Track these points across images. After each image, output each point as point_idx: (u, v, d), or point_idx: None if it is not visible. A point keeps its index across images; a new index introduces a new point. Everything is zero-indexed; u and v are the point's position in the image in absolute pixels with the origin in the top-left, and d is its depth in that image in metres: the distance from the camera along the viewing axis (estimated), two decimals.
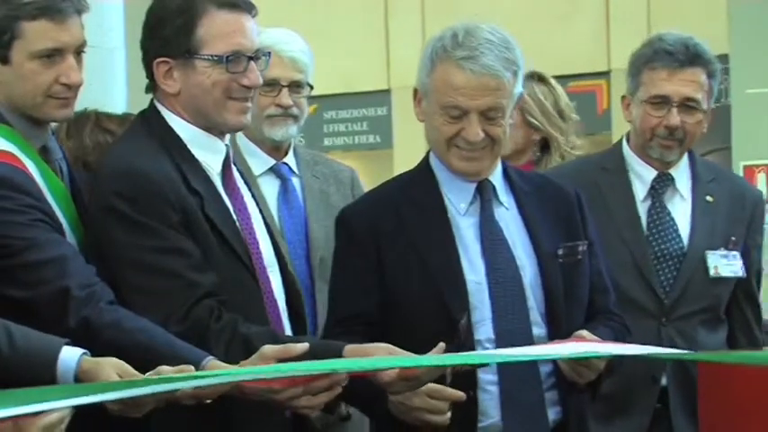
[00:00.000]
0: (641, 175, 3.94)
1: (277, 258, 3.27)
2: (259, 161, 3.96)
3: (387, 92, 13.33)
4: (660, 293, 3.81)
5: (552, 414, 3.27)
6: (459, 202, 3.31)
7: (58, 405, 2.41)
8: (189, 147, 3.17)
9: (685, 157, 3.97)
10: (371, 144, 14.01)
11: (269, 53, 3.30)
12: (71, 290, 2.88)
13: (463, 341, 3.12)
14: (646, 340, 3.59)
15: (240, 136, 3.98)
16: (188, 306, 3.01)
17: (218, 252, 3.12)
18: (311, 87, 4.01)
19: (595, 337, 3.18)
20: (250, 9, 3.19)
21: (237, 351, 2.95)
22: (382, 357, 2.87)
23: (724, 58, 9.33)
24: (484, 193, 3.32)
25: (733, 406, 3.30)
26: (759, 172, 9.21)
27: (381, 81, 13.28)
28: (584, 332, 3.19)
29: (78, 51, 3.13)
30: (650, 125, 3.89)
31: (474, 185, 3.30)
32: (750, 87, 9.31)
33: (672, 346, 3.75)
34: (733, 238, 3.93)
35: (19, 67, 3.10)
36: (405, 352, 2.91)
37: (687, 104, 3.85)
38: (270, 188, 3.99)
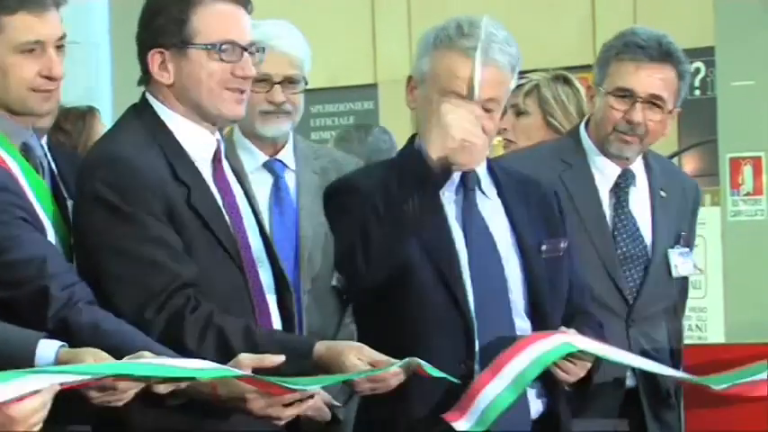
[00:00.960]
0: (604, 172, 3.91)
1: (268, 255, 3.29)
2: (252, 157, 3.98)
3: (374, 86, 13.52)
4: (627, 296, 3.81)
5: (535, 407, 3.32)
6: (445, 192, 3.36)
7: (33, 381, 2.45)
8: (179, 139, 3.21)
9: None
10: None
11: (263, 48, 3.34)
12: (50, 290, 2.90)
13: None
14: (614, 341, 3.67)
15: (236, 131, 4.02)
16: (165, 296, 3.03)
17: (202, 244, 3.16)
18: (306, 83, 4.01)
19: (579, 335, 3.24)
20: (245, 3, 3.26)
21: (211, 341, 3.00)
22: (326, 377, 2.93)
23: (710, 51, 9.52)
24: (467, 182, 3.37)
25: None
26: (745, 164, 9.11)
27: (368, 75, 13.44)
28: (569, 329, 3.26)
29: (58, 45, 3.16)
30: (612, 118, 3.85)
31: (458, 174, 3.34)
32: (736, 80, 9.14)
33: (638, 347, 3.79)
34: (683, 234, 3.94)
35: (0, 62, 3.14)
36: (374, 352, 3.00)
37: (652, 101, 3.81)
38: (262, 185, 4.00)
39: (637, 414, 3.86)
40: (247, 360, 2.88)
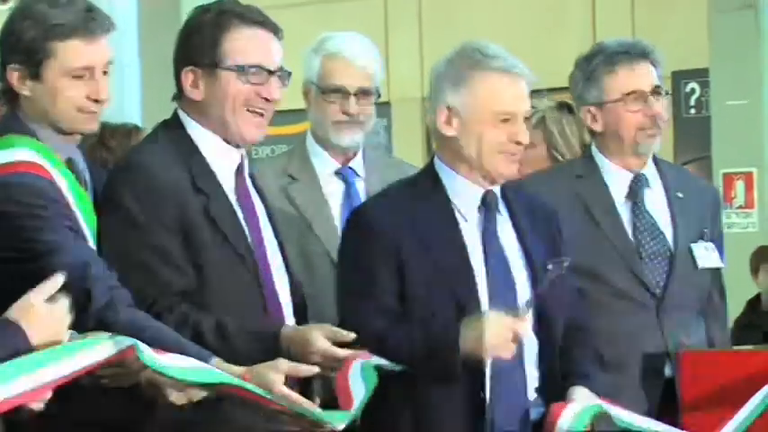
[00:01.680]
0: (617, 179, 3.93)
1: (286, 267, 3.35)
2: (324, 164, 3.99)
3: (387, 104, 13.36)
4: (653, 290, 3.86)
5: (535, 410, 3.36)
6: (465, 210, 3.40)
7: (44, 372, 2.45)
8: (203, 151, 3.26)
9: (650, 158, 4.03)
10: None
11: (289, 73, 3.37)
12: (93, 292, 2.98)
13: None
14: (647, 332, 3.76)
15: (308, 138, 4.06)
16: (151, 302, 3.09)
17: (217, 250, 3.20)
18: (380, 95, 4.06)
19: (591, 395, 3.31)
20: (276, 30, 3.33)
21: (186, 337, 3.04)
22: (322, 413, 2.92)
23: (704, 72, 10.06)
24: (491, 203, 3.42)
25: (714, 388, 3.50)
26: (737, 179, 9.45)
27: (382, 94, 13.30)
28: (578, 390, 3.32)
29: (105, 69, 3.25)
30: (635, 121, 3.91)
31: (480, 195, 3.40)
32: (729, 99, 9.49)
33: (674, 338, 3.82)
34: (705, 230, 3.96)
35: (51, 84, 3.19)
36: (340, 331, 3.10)
37: (657, 92, 3.92)
38: (334, 191, 4.02)
39: (674, 404, 3.85)
40: (285, 366, 2.94)
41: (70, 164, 3.24)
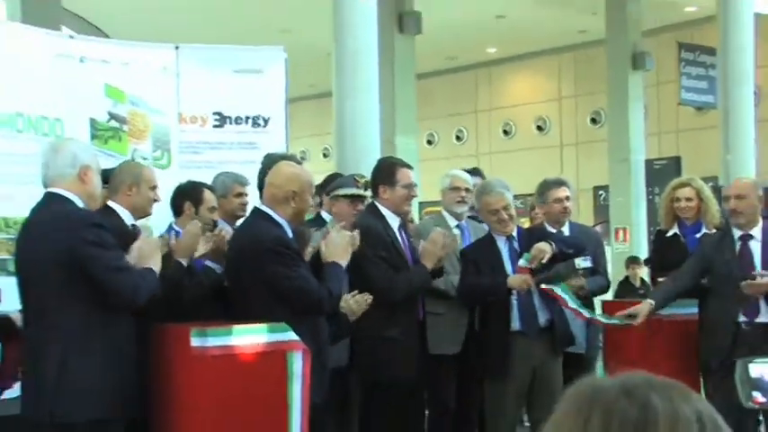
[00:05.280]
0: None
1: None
2: (450, 221, 5.02)
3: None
4: None
5: (542, 317, 4.55)
6: (502, 246, 4.60)
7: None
8: (386, 218, 4.39)
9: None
10: None
11: (416, 185, 4.48)
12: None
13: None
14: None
15: (443, 212, 5.09)
16: (390, 273, 4.20)
17: (398, 263, 4.35)
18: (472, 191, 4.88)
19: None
20: (412, 168, 4.45)
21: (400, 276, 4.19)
22: None
23: (607, 187, 13.18)
24: (511, 240, 4.59)
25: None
26: (621, 230, 12.42)
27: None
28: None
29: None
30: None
31: (506, 236, 4.62)
32: (617, 197, 12.63)
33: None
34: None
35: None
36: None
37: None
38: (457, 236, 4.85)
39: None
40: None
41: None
